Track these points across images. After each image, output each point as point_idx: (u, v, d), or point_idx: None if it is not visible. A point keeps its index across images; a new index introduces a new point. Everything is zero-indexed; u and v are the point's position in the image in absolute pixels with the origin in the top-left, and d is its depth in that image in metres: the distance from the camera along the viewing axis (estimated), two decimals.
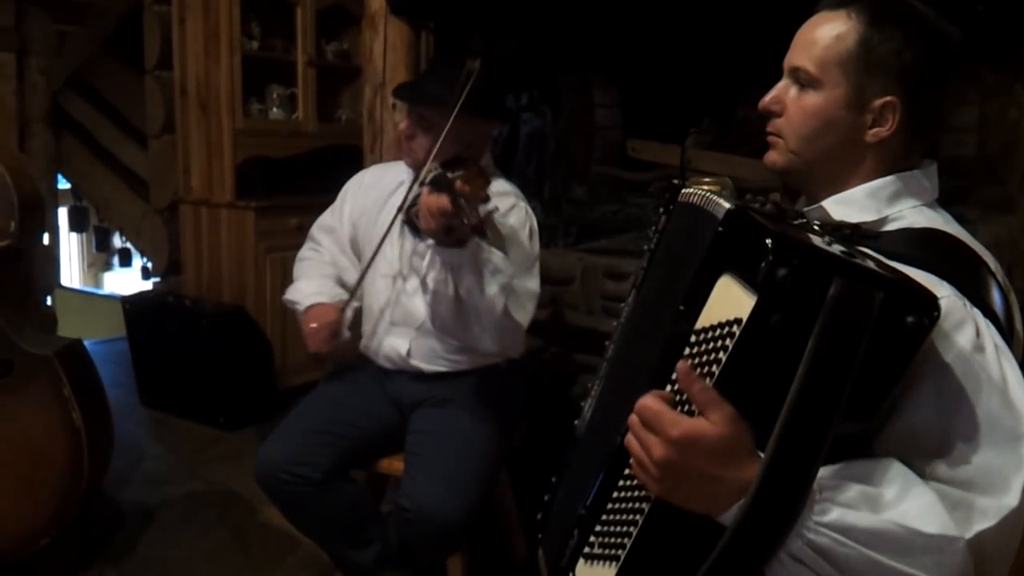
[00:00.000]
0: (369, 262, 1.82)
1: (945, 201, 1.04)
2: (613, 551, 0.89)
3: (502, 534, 2.09)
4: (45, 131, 3.94)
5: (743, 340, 0.73)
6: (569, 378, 2.56)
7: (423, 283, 1.68)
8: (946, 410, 0.83)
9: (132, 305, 3.39)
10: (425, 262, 1.67)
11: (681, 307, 0.81)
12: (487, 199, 1.45)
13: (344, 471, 1.81)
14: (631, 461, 0.83)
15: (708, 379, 0.77)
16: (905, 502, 0.78)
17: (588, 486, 0.94)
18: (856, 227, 0.93)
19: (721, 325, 0.76)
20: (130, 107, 4.26)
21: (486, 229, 1.46)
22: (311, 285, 1.93)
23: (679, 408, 0.80)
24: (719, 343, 0.76)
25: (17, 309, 2.07)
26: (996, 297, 0.91)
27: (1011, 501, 0.80)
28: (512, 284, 1.67)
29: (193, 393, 3.20)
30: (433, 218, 1.45)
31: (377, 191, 1.95)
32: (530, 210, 1.83)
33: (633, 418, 0.81)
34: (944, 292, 0.85)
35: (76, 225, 5.90)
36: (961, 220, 1.03)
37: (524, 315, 1.71)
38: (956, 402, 0.82)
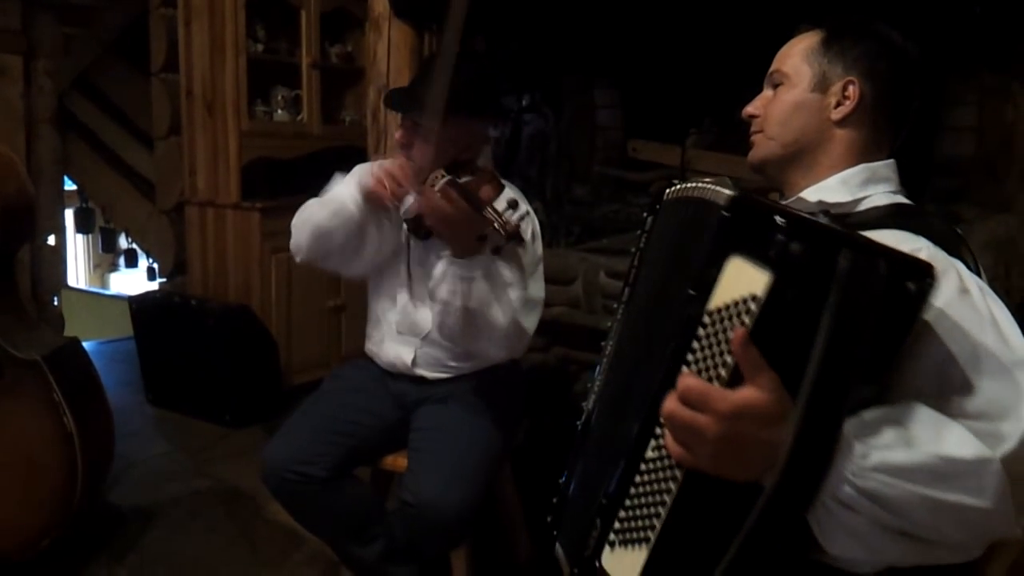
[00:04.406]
0: (408, 281, 1.82)
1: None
2: (642, 533, 0.90)
3: (505, 530, 2.11)
4: (52, 133, 3.96)
5: (763, 313, 0.77)
6: (571, 377, 2.58)
7: (431, 294, 1.63)
8: (945, 355, 0.87)
9: (139, 305, 3.41)
10: (436, 272, 1.59)
11: (692, 291, 0.84)
12: (516, 205, 1.44)
13: (348, 469, 1.82)
14: (667, 444, 0.84)
15: (727, 353, 0.79)
16: (937, 435, 0.82)
17: (606, 476, 0.95)
18: (828, 209, 1.02)
19: (736, 303, 0.79)
20: (136, 109, 4.29)
21: (521, 235, 1.41)
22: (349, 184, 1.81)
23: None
24: (734, 320, 0.79)
25: (8, 313, 2.06)
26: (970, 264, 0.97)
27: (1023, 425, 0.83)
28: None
29: (199, 392, 3.23)
30: (449, 223, 1.45)
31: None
32: (532, 212, 1.80)
33: (670, 404, 0.81)
34: (921, 244, 0.92)
35: (82, 226, 5.96)
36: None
37: (530, 321, 1.69)
38: (953, 345, 0.87)
